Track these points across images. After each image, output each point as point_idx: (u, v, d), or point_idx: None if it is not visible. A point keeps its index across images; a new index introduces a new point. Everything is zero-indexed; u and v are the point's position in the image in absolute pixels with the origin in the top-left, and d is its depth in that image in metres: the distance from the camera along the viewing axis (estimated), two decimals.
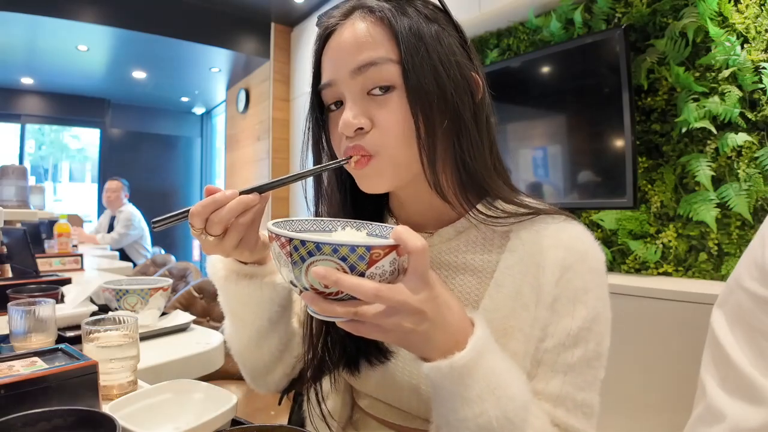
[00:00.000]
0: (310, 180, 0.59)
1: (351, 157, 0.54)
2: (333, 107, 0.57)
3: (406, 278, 0.41)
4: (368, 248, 0.39)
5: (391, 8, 0.53)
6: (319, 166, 0.56)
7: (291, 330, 0.69)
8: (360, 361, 0.60)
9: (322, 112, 0.60)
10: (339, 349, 0.61)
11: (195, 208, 0.49)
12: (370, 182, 0.55)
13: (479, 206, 0.57)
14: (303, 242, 0.39)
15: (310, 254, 0.39)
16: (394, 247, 0.40)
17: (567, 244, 0.53)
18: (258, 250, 0.57)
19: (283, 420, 0.79)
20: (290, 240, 0.39)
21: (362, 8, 0.55)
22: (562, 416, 0.51)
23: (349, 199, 0.63)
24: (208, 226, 0.50)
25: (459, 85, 0.54)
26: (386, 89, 0.52)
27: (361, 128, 0.52)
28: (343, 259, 0.39)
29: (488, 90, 0.59)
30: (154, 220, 0.50)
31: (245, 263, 0.61)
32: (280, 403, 0.76)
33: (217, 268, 0.62)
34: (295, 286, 0.42)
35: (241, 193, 0.50)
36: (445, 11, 0.58)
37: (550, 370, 0.52)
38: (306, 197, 0.65)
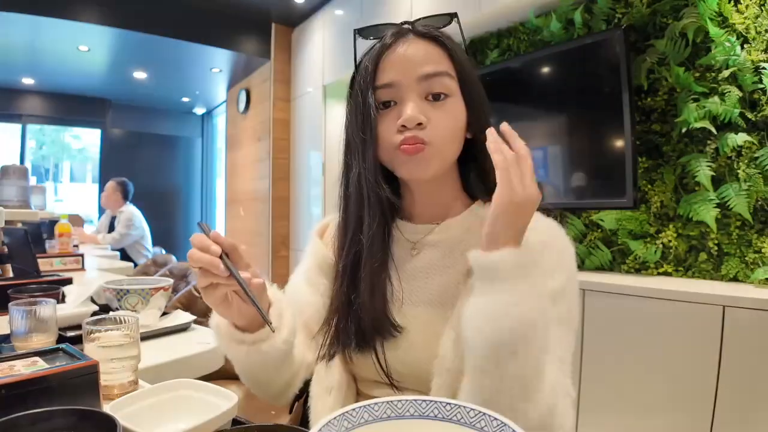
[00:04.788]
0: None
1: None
2: (382, 106, 0.65)
3: None
4: None
5: (438, 32, 0.66)
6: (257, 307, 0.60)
7: (298, 363, 0.72)
8: (374, 338, 0.65)
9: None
10: (352, 328, 0.66)
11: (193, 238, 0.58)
12: (417, 168, 0.64)
13: (485, 201, 0.68)
14: None
15: None
16: None
17: (544, 230, 0.64)
18: (245, 316, 0.63)
19: (285, 419, 0.79)
20: None
21: (414, 31, 0.66)
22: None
23: (373, 199, 0.68)
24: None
25: (482, 94, 0.67)
26: (444, 96, 0.64)
27: (420, 123, 0.62)
28: None
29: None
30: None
31: (237, 327, 0.66)
32: (291, 411, 0.78)
33: (218, 323, 0.68)
34: None
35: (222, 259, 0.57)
36: (463, 41, 0.70)
37: None
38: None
